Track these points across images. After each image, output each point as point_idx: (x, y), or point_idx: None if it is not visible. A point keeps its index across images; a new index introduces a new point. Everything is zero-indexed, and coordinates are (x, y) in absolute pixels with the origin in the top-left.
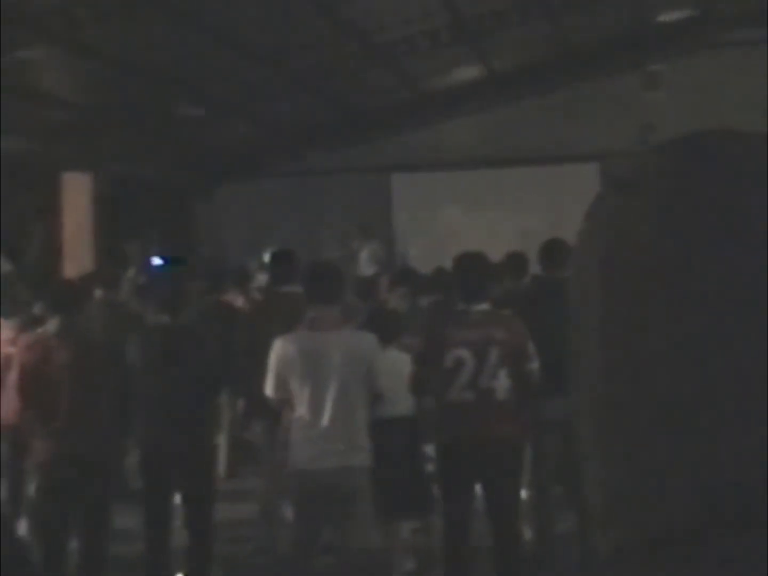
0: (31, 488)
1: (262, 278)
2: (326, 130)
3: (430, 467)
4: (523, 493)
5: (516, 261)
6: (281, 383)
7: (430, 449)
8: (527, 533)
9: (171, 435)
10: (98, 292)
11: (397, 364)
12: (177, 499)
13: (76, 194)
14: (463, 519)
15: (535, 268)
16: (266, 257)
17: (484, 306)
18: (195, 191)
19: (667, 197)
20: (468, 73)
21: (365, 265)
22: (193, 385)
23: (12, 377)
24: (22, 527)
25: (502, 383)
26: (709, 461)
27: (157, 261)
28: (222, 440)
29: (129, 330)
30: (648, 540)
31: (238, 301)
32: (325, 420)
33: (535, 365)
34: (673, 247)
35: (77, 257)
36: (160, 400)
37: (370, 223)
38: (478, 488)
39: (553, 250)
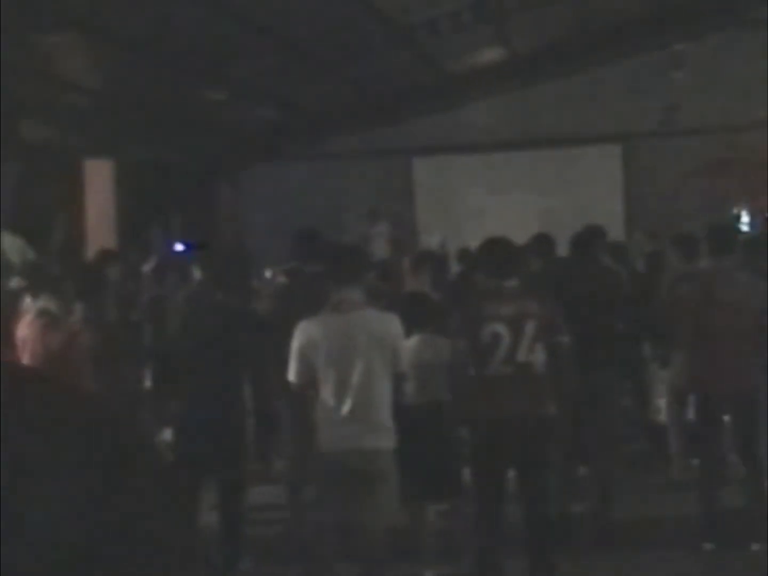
0: None
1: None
2: (349, 113)
3: (460, 450)
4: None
5: (542, 242)
6: (305, 367)
7: (464, 433)
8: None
9: (201, 417)
10: (118, 277)
11: (428, 349)
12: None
13: (99, 180)
14: (498, 496)
15: (561, 249)
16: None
17: (514, 282)
18: (218, 175)
19: None
20: (490, 55)
21: (379, 248)
22: (244, 366)
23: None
24: None
25: (538, 357)
26: None
27: (179, 246)
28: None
29: (150, 313)
30: None
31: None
32: (350, 402)
33: (566, 338)
34: None
35: (100, 244)
36: (208, 379)
37: (379, 207)
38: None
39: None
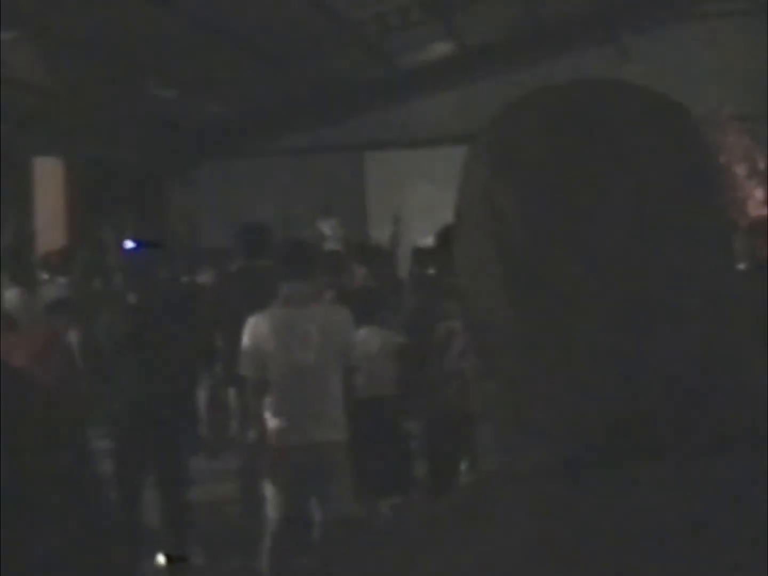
0: None
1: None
2: (299, 109)
3: (411, 445)
4: None
5: None
6: (257, 361)
7: (412, 426)
8: None
9: (142, 416)
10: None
11: (374, 342)
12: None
13: (49, 179)
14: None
15: None
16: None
17: None
18: (169, 173)
19: (541, 157)
20: (440, 50)
21: (330, 242)
22: (163, 365)
23: None
24: None
25: None
26: (614, 388)
27: (130, 244)
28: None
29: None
30: (557, 462)
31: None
32: (301, 396)
33: None
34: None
35: (51, 242)
36: (129, 380)
37: (331, 202)
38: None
39: None
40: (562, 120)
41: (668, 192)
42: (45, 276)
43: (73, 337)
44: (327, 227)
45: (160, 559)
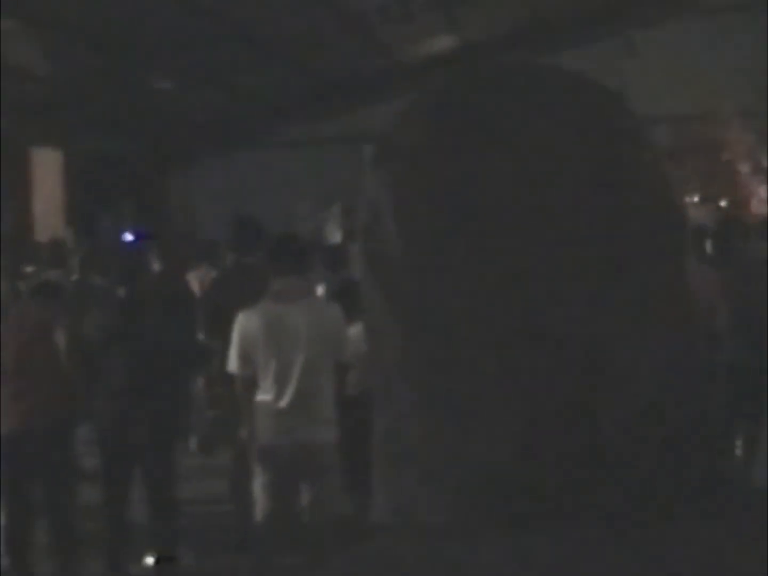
0: None
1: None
2: (299, 101)
3: None
4: None
5: None
6: (246, 358)
7: None
8: None
9: (128, 410)
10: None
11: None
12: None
13: (47, 170)
14: None
15: None
16: None
17: None
18: (167, 165)
19: (433, 161)
20: (441, 42)
21: (331, 234)
22: (153, 360)
23: None
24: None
25: None
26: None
27: (128, 236)
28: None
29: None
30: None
31: (210, 275)
32: (291, 394)
33: None
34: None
35: (49, 233)
36: (116, 374)
37: (332, 195)
38: None
39: None
40: (442, 111)
41: (581, 186)
42: (35, 268)
43: (60, 331)
44: (329, 219)
45: (149, 559)
